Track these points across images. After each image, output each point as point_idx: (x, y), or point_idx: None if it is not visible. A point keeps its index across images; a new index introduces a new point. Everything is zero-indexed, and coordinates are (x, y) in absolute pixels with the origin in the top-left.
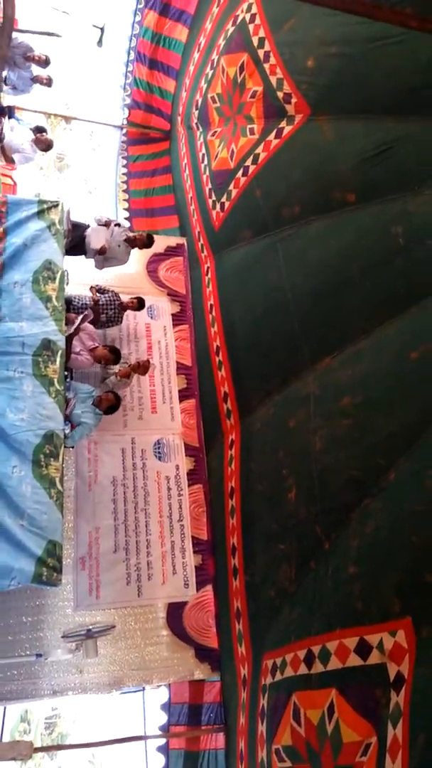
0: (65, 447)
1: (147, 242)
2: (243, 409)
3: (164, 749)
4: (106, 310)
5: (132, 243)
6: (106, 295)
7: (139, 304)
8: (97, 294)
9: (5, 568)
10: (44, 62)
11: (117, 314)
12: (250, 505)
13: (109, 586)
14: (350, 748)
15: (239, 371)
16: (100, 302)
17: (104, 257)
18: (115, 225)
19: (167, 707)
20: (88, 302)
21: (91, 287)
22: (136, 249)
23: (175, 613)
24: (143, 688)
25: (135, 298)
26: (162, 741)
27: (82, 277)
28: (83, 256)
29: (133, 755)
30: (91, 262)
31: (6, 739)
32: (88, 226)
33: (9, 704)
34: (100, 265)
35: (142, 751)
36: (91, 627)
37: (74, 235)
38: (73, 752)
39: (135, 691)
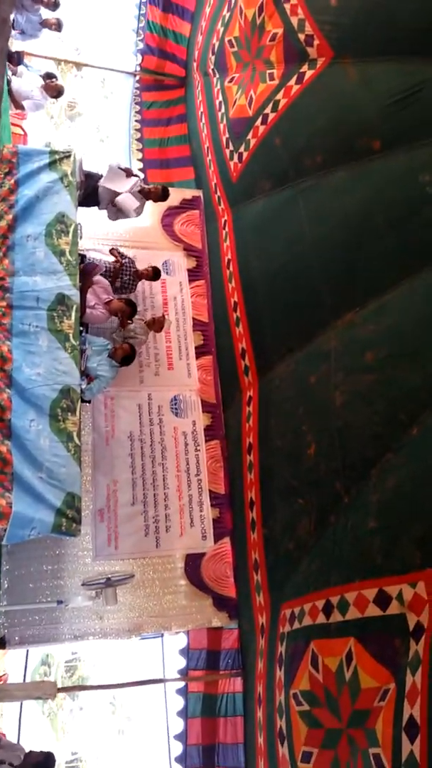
0: (83, 401)
1: (162, 195)
2: (261, 365)
3: (183, 692)
4: (122, 275)
5: (147, 195)
6: (123, 261)
7: (154, 273)
8: (118, 256)
9: (25, 519)
10: (53, 5)
11: (132, 281)
12: (269, 461)
13: (128, 537)
14: (368, 694)
15: (258, 327)
16: (113, 268)
17: (117, 208)
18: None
19: (186, 652)
20: (108, 265)
21: (111, 249)
22: (151, 202)
23: (193, 563)
24: (162, 635)
25: (151, 267)
26: (181, 684)
27: (95, 231)
28: (96, 207)
29: (152, 698)
30: (104, 215)
31: (27, 680)
32: (101, 177)
33: (32, 647)
34: (113, 216)
35: (162, 694)
36: (110, 575)
37: (87, 185)
38: (94, 694)
39: (154, 637)
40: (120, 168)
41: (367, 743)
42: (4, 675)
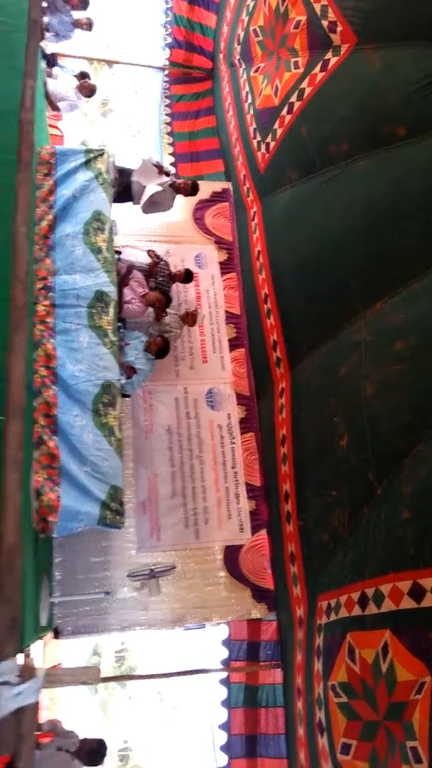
0: (123, 396)
1: (192, 190)
2: (292, 357)
3: (226, 682)
4: (156, 276)
5: (177, 190)
6: (160, 262)
7: (186, 276)
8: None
9: (73, 512)
10: (83, 4)
11: (166, 282)
12: (302, 453)
13: (169, 529)
14: (404, 687)
15: (288, 319)
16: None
17: (150, 201)
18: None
19: (228, 643)
20: (143, 266)
21: (149, 251)
22: (182, 196)
23: (231, 555)
24: (204, 626)
25: (183, 269)
26: (224, 674)
27: (130, 227)
28: (130, 203)
29: (196, 687)
30: (138, 211)
31: None
32: (133, 171)
33: (83, 638)
34: (146, 210)
35: (206, 684)
36: (153, 567)
37: (120, 181)
38: (142, 684)
39: (196, 628)
40: (153, 164)
41: (405, 736)
42: (58, 664)
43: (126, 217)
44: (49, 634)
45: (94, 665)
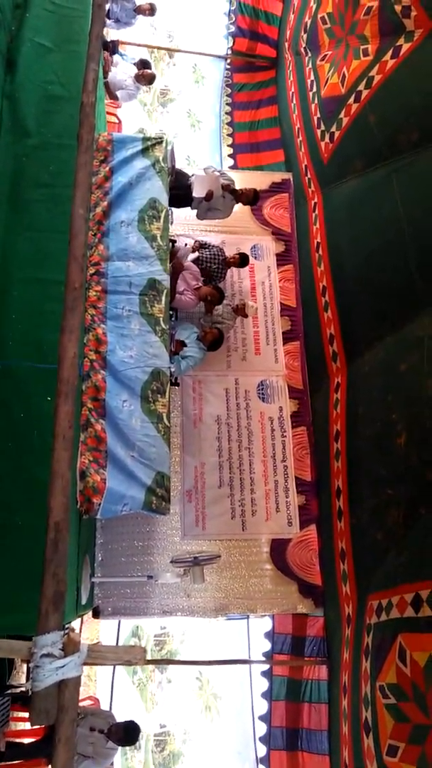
0: (172, 384)
1: (252, 199)
2: (350, 351)
3: (268, 674)
4: (209, 264)
5: (237, 198)
6: (210, 250)
7: (241, 260)
8: (199, 249)
9: (118, 495)
10: None
11: (220, 270)
12: (357, 449)
13: (215, 519)
14: None
15: (347, 312)
16: (204, 256)
17: (208, 206)
18: (220, 173)
19: (271, 636)
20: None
21: (195, 242)
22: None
23: (278, 548)
24: (248, 616)
25: (238, 253)
26: (266, 666)
27: (186, 215)
28: (188, 208)
29: (237, 677)
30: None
31: None
32: (192, 175)
33: (124, 619)
34: (202, 215)
35: (246, 674)
36: (197, 555)
37: (178, 184)
38: (182, 669)
39: (240, 619)
40: (214, 170)
41: None
42: (97, 643)
43: (182, 207)
44: (89, 614)
45: (140, 646)
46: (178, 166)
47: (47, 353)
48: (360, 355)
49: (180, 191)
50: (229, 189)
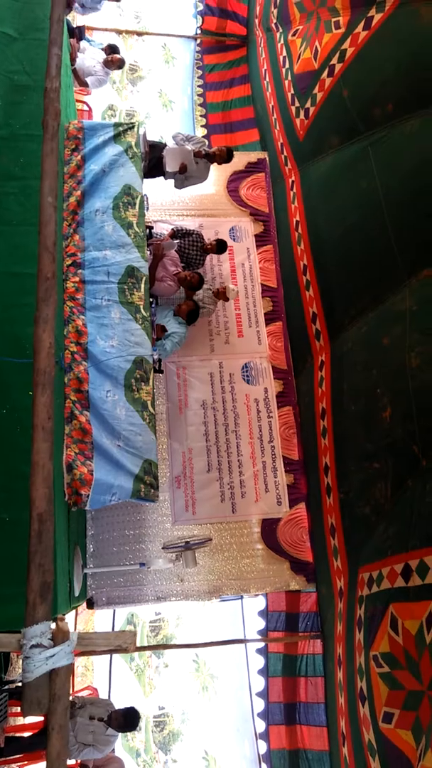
0: (156, 371)
1: (227, 157)
2: (333, 329)
3: (263, 651)
4: (189, 250)
5: (211, 158)
6: (189, 238)
7: (218, 246)
8: (176, 238)
9: (106, 485)
10: None
11: (199, 256)
12: (343, 425)
13: (205, 503)
14: None
15: (329, 290)
16: (183, 243)
17: (184, 176)
18: (187, 139)
19: (265, 614)
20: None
21: (173, 228)
22: (216, 166)
23: (269, 528)
24: (241, 597)
25: (215, 240)
26: (261, 644)
27: (161, 201)
28: (162, 178)
29: (233, 656)
30: (170, 185)
31: None
32: (165, 146)
33: (118, 608)
34: (180, 185)
35: (242, 653)
36: (189, 539)
37: (152, 156)
38: (179, 652)
39: (233, 599)
40: (178, 141)
41: None
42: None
43: (158, 192)
44: (83, 605)
45: (130, 630)
46: (150, 138)
47: (26, 347)
48: (343, 332)
49: (152, 162)
50: (201, 154)
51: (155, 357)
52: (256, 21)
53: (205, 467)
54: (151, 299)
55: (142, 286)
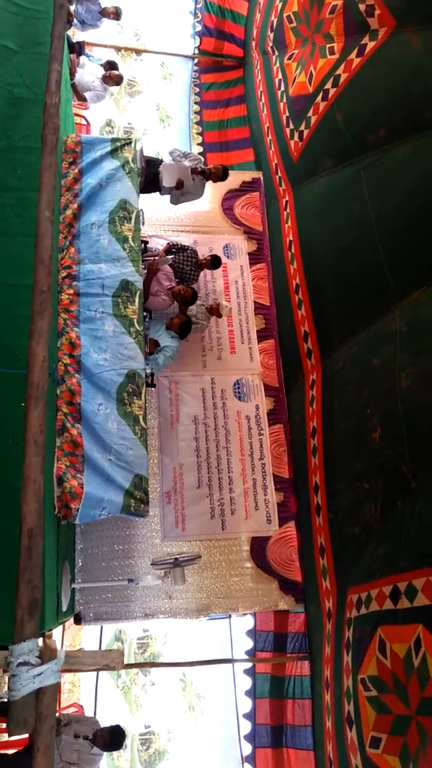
0: (148, 386)
1: (222, 175)
2: (324, 348)
3: (251, 672)
4: (183, 266)
5: (207, 176)
6: (184, 253)
7: (213, 262)
8: (171, 254)
9: (96, 499)
10: None
11: (194, 271)
12: (333, 445)
13: (194, 519)
14: None
15: (320, 309)
16: (178, 259)
17: (181, 192)
18: (184, 155)
19: (253, 634)
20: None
21: (168, 243)
22: (211, 183)
23: (258, 546)
24: (229, 616)
25: (209, 255)
26: (249, 664)
27: (157, 216)
28: (158, 193)
29: (220, 676)
30: (166, 200)
31: None
32: (162, 162)
33: (105, 624)
34: (175, 201)
35: (230, 673)
36: (178, 556)
37: (148, 171)
38: (166, 671)
39: (222, 618)
40: (175, 158)
41: None
42: (79, 649)
43: (153, 207)
44: (70, 620)
45: (117, 649)
46: (147, 153)
47: (19, 358)
48: (334, 352)
49: (149, 177)
50: (197, 171)
51: (148, 371)
52: (253, 43)
53: (196, 483)
54: (144, 313)
55: (136, 299)
